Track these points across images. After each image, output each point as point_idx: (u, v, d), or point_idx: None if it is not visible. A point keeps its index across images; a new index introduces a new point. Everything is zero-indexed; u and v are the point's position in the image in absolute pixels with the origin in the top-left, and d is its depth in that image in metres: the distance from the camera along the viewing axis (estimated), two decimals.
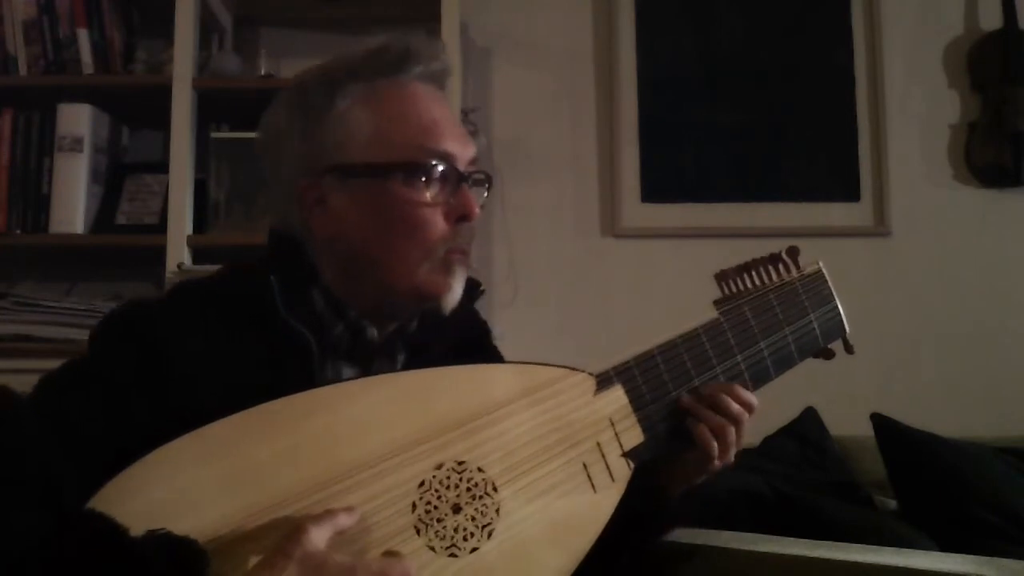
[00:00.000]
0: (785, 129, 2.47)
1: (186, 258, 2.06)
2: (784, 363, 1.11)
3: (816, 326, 1.14)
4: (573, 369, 0.98)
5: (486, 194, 1.07)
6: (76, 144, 2.13)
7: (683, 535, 1.15)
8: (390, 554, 0.82)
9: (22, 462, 0.79)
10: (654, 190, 2.44)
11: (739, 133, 2.47)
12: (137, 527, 0.73)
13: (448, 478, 0.88)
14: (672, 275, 2.39)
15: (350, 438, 0.85)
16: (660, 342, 1.04)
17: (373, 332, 1.00)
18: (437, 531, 0.86)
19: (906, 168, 2.46)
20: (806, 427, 2.02)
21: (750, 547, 1.11)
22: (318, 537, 0.76)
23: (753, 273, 1.12)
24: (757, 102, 2.48)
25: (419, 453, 0.87)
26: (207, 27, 2.29)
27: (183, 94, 2.11)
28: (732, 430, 1.02)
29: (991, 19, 2.49)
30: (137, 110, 2.30)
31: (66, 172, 2.13)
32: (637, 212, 2.44)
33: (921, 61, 2.51)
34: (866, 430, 1.87)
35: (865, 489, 1.86)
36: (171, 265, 2.04)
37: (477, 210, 1.00)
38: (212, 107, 2.19)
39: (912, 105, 2.49)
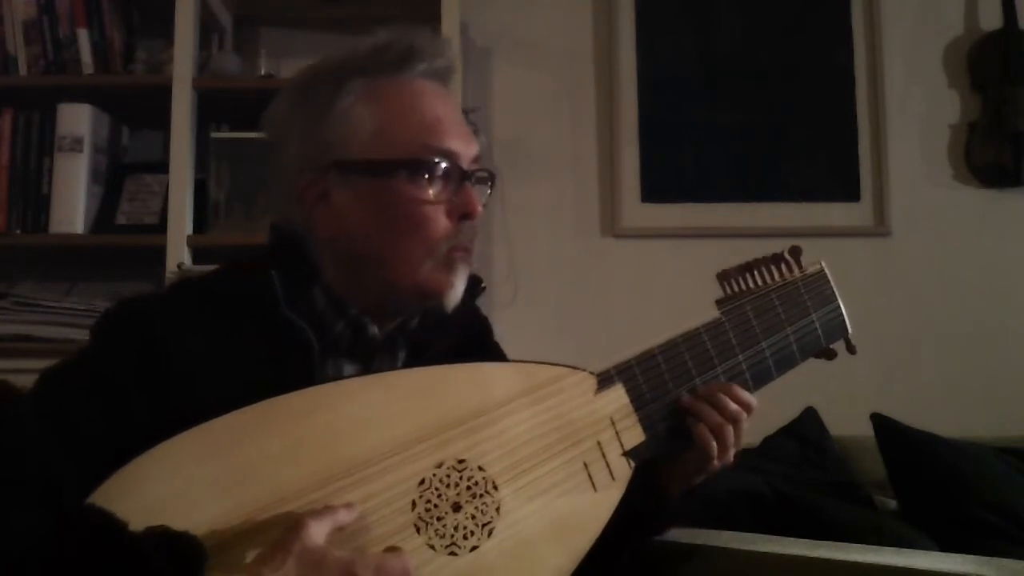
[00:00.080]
0: (785, 129, 2.47)
1: (186, 258, 2.06)
2: (786, 363, 1.11)
3: (818, 326, 1.14)
4: (574, 368, 0.98)
5: (489, 192, 1.07)
6: (76, 144, 2.13)
7: (683, 535, 1.15)
8: (391, 550, 0.82)
9: (22, 461, 0.79)
10: (654, 190, 2.44)
11: (739, 133, 2.46)
12: (137, 523, 0.73)
13: (448, 476, 0.88)
14: (672, 275, 2.38)
15: (350, 436, 0.85)
16: (661, 341, 1.04)
17: (374, 329, 1.00)
18: (437, 529, 0.86)
19: (906, 168, 2.46)
20: (806, 427, 2.02)
21: (750, 547, 1.11)
22: (317, 532, 0.76)
23: (755, 273, 1.12)
24: (757, 102, 2.48)
25: (419, 451, 0.87)
26: (207, 27, 2.29)
27: (183, 94, 2.10)
28: (730, 430, 1.02)
29: (991, 19, 2.49)
30: (137, 110, 2.29)
31: (66, 172, 2.12)
32: (637, 212, 2.44)
33: (921, 61, 2.51)
34: (866, 430, 1.87)
35: (865, 489, 1.86)
36: (171, 265, 2.04)
37: (480, 208, 1.00)
38: (212, 107, 2.18)
39: (912, 105, 2.48)
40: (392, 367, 1.02)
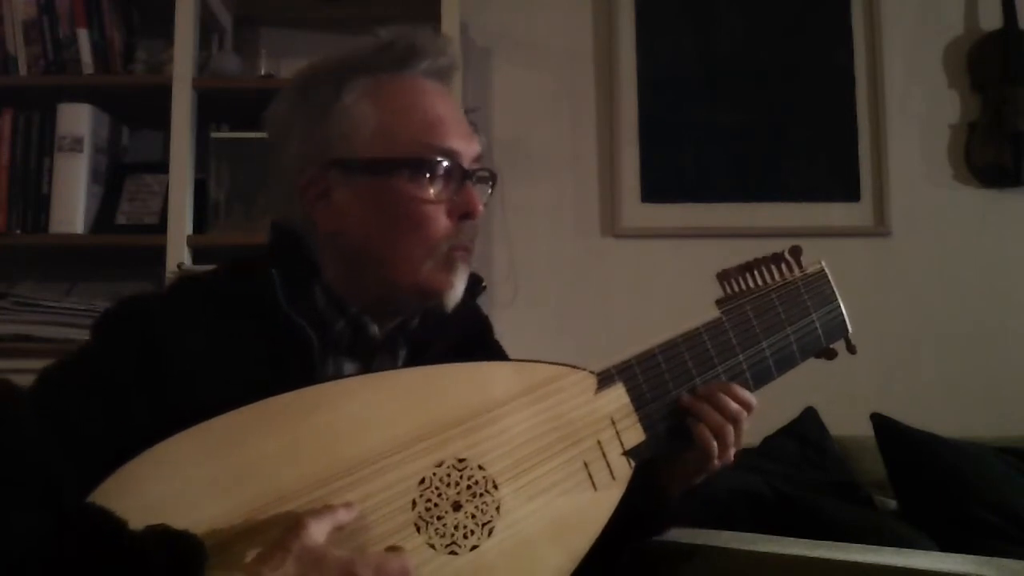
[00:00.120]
0: (785, 129, 2.47)
1: (186, 258, 2.06)
2: (786, 363, 1.11)
3: (818, 325, 1.14)
4: (574, 367, 0.98)
5: (490, 191, 1.07)
6: (76, 144, 2.13)
7: (683, 535, 1.15)
8: (391, 549, 0.82)
9: (22, 460, 0.79)
10: (654, 190, 2.44)
11: (739, 133, 2.46)
12: (136, 522, 0.73)
13: (448, 475, 0.88)
14: (672, 275, 2.38)
15: (350, 435, 0.85)
16: (661, 341, 1.04)
17: (374, 328, 1.00)
18: (437, 528, 0.86)
19: (906, 168, 2.46)
20: (806, 427, 2.02)
21: (750, 547, 1.11)
22: (317, 532, 0.76)
23: (755, 272, 1.11)
24: (757, 102, 2.48)
25: (420, 450, 0.87)
26: (207, 27, 2.29)
27: (183, 94, 2.10)
28: (731, 429, 1.02)
29: (991, 19, 2.49)
30: (137, 110, 2.29)
31: (66, 172, 2.12)
32: (637, 212, 2.44)
33: (921, 61, 2.51)
34: (866, 430, 1.87)
35: (865, 489, 1.86)
36: (171, 265, 2.04)
37: (481, 208, 1.00)
38: (212, 107, 2.18)
39: (912, 105, 2.48)
40: (392, 366, 1.02)
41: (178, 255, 2.05)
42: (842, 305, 1.17)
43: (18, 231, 2.12)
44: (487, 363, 0.98)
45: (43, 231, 2.12)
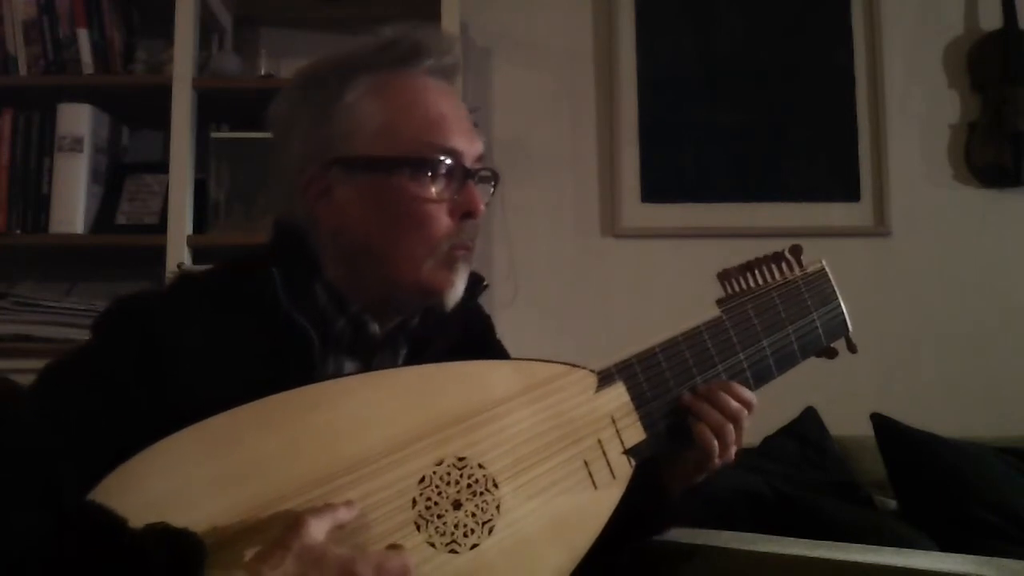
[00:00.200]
0: (785, 129, 2.47)
1: (186, 258, 2.06)
2: (786, 362, 1.11)
3: (819, 324, 1.14)
4: (574, 366, 0.98)
5: (492, 191, 1.07)
6: (76, 144, 2.13)
7: (683, 535, 1.15)
8: (392, 548, 0.82)
9: (22, 458, 0.79)
10: (654, 190, 2.44)
11: (739, 133, 2.46)
12: (137, 520, 0.73)
13: (449, 474, 0.88)
14: (672, 275, 2.38)
15: (351, 433, 0.85)
16: (662, 340, 1.04)
17: (375, 327, 1.00)
18: (437, 527, 0.86)
19: (906, 168, 2.46)
20: (806, 427, 2.02)
21: (750, 547, 1.11)
22: (317, 530, 0.76)
23: (756, 272, 1.11)
24: (757, 102, 2.48)
25: (420, 449, 0.87)
26: (207, 27, 2.29)
27: (183, 94, 2.10)
28: (731, 428, 1.02)
29: (991, 19, 2.49)
30: (137, 110, 2.29)
31: (66, 172, 2.12)
32: (637, 212, 2.44)
33: (921, 61, 2.51)
34: (866, 430, 1.87)
35: (865, 489, 1.86)
36: (171, 265, 2.04)
37: (482, 207, 1.00)
38: (212, 107, 2.18)
39: (912, 105, 2.48)
40: (393, 365, 1.02)
41: (178, 255, 2.05)
42: (843, 304, 1.17)
43: (18, 231, 2.12)
44: (487, 362, 0.98)
45: (43, 231, 2.12)
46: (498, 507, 0.89)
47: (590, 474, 0.96)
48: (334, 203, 0.99)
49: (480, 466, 0.90)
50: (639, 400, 1.00)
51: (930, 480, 1.76)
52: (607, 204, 2.45)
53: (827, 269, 1.17)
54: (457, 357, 0.97)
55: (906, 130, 2.47)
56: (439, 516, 0.87)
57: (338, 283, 0.99)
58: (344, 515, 0.79)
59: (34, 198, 2.13)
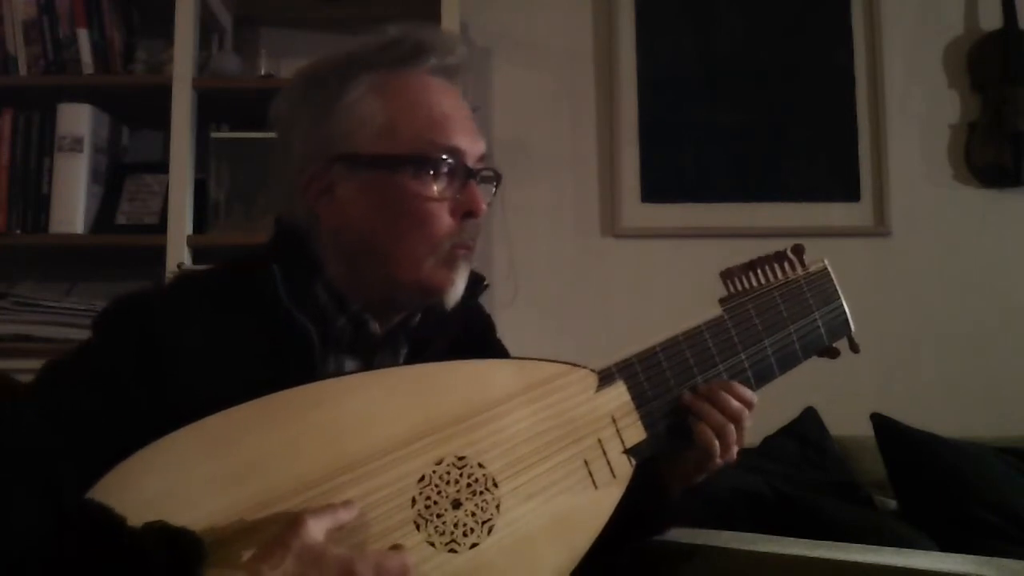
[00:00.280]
0: (785, 129, 2.47)
1: (186, 258, 2.06)
2: (788, 361, 1.11)
3: (821, 324, 1.14)
4: (575, 365, 0.98)
5: (494, 191, 1.07)
6: (76, 144, 2.13)
7: (683, 535, 1.15)
8: (392, 547, 0.82)
9: (22, 456, 0.79)
10: (654, 190, 2.44)
11: (739, 133, 2.46)
12: (136, 518, 0.73)
13: (448, 473, 0.88)
14: (672, 275, 2.38)
15: (350, 432, 0.85)
16: (663, 339, 1.03)
17: (375, 326, 1.00)
18: (437, 526, 0.86)
19: (906, 168, 2.46)
20: (806, 427, 2.02)
21: (750, 547, 1.11)
22: (316, 530, 0.76)
23: (758, 271, 1.11)
24: (757, 102, 2.48)
25: (419, 448, 0.87)
26: (207, 27, 2.29)
27: (183, 94, 2.10)
28: (732, 428, 1.02)
29: (991, 19, 2.49)
30: (137, 110, 2.29)
31: (66, 172, 2.12)
32: (637, 212, 2.44)
33: (921, 61, 2.51)
34: (866, 430, 1.87)
35: (865, 489, 1.86)
36: (171, 265, 2.04)
37: (484, 207, 1.00)
38: (212, 107, 2.18)
39: (912, 105, 2.48)
40: (393, 364, 1.02)
41: (178, 255, 2.05)
42: (845, 303, 1.17)
43: (18, 231, 2.12)
44: (487, 361, 0.98)
45: (43, 231, 2.12)
46: (498, 506, 0.89)
47: (590, 473, 0.96)
48: (335, 201, 0.99)
49: (480, 465, 0.90)
50: (640, 399, 1.00)
51: (930, 480, 1.76)
52: (607, 204, 2.45)
53: (829, 268, 1.17)
54: (457, 356, 0.97)
55: (906, 130, 2.47)
56: (438, 515, 0.87)
57: (339, 282, 0.99)
58: (344, 515, 0.79)
59: (34, 198, 2.13)
